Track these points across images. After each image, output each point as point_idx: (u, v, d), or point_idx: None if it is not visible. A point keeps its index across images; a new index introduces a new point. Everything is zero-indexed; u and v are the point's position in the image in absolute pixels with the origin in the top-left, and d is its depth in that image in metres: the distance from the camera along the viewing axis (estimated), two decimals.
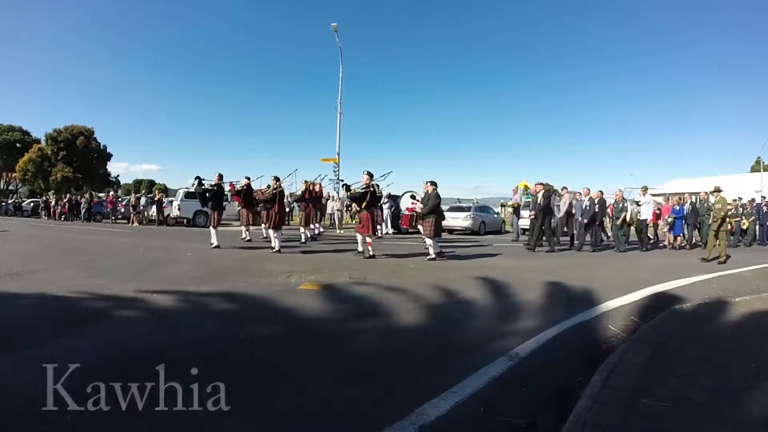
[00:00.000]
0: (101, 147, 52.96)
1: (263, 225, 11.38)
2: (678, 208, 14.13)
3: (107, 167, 55.41)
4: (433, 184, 10.18)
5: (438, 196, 10.04)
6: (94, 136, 51.69)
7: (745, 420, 2.47)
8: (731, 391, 2.83)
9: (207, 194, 11.39)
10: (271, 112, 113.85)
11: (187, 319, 4.82)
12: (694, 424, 2.39)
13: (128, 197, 27.12)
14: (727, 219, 14.87)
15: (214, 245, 10.93)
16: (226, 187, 12.42)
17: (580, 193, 13.78)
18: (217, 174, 11.56)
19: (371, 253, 9.77)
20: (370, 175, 10.13)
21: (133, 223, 22.69)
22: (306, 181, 13.51)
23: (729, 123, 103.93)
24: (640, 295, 6.08)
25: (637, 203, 13.87)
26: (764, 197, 17.97)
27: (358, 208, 10.63)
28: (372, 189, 9.98)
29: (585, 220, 12.96)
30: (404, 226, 15.50)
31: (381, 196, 13.28)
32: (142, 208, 23.18)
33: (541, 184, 12.76)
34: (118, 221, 24.65)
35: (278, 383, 3.08)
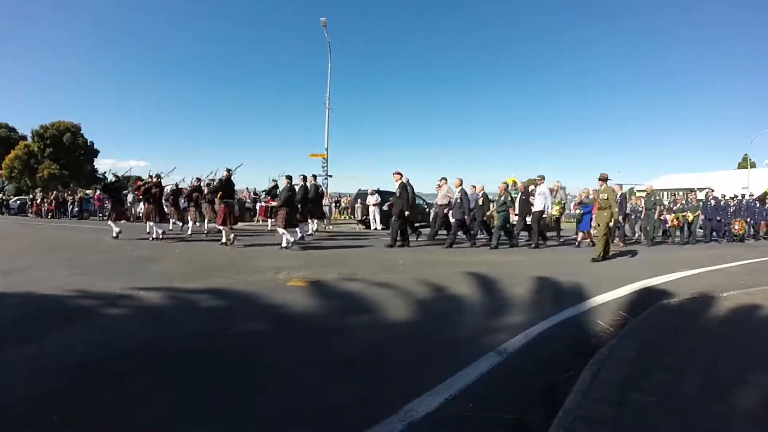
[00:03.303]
0: (88, 143, 52.19)
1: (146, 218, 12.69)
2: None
3: (94, 164, 54.75)
4: (288, 178, 11.00)
5: (290, 189, 10.71)
6: (81, 132, 50.97)
7: (733, 413, 2.48)
8: (719, 386, 2.84)
9: (108, 190, 13.23)
10: (260, 107, 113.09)
11: (175, 316, 4.78)
12: (683, 418, 2.39)
13: None
14: (674, 214, 14.74)
15: (114, 235, 12.14)
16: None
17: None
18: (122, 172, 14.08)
19: (224, 241, 10.95)
20: (229, 171, 11.57)
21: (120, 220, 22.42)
22: (198, 178, 14.70)
23: (717, 120, 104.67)
24: (628, 290, 6.11)
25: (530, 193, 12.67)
26: (712, 190, 17.15)
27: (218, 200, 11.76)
28: (223, 183, 11.28)
29: (459, 216, 11.64)
30: (260, 217, 16.62)
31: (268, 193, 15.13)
32: (129, 205, 22.90)
33: (399, 173, 11.65)
34: (105, 218, 24.38)
35: (268, 380, 3.05)
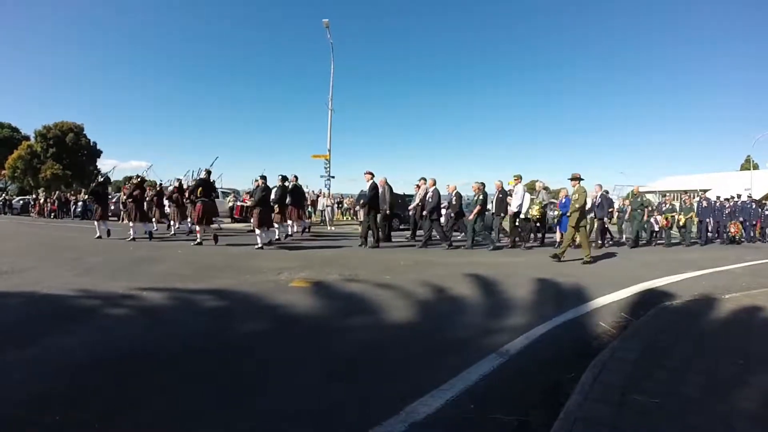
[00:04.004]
0: (91, 144, 52.46)
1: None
2: (564, 201, 11.91)
3: (97, 164, 54.92)
4: (263, 178, 11.23)
5: (264, 189, 10.87)
6: (84, 132, 51.20)
7: (734, 414, 2.47)
8: (721, 387, 2.83)
9: (93, 193, 13.83)
10: (263, 108, 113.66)
11: (176, 316, 4.78)
12: (684, 418, 2.39)
13: (118, 194, 26.90)
14: (663, 215, 14.60)
15: (98, 236, 12.62)
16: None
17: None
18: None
19: (198, 240, 11.20)
20: (208, 172, 12.05)
21: (123, 220, 22.43)
22: (179, 179, 15.10)
23: (721, 121, 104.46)
24: (630, 292, 6.10)
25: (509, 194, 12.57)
26: (704, 191, 17.15)
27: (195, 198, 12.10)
28: (204, 181, 11.70)
29: (426, 214, 11.76)
30: (236, 216, 16.99)
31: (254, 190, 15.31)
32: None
33: (370, 173, 11.69)
34: (108, 219, 24.41)
35: (269, 381, 3.05)
